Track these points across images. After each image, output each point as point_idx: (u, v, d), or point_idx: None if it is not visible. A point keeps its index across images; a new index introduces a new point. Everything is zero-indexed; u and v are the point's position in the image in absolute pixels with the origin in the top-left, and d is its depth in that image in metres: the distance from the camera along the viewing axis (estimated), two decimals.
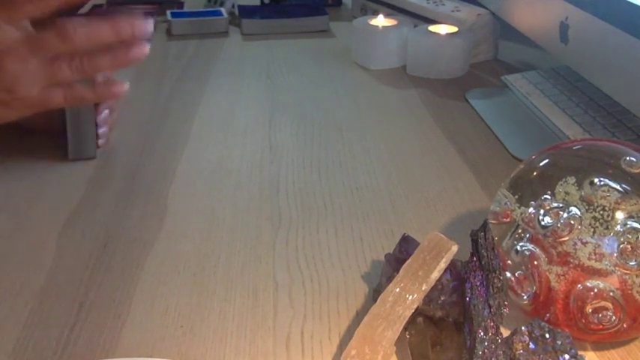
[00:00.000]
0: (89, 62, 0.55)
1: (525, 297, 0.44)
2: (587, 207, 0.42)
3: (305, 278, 0.52)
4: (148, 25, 0.57)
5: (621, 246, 0.40)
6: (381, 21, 0.99)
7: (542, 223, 0.43)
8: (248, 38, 1.16)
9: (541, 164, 0.47)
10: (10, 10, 0.51)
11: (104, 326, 0.47)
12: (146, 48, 0.57)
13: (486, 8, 0.99)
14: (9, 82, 0.53)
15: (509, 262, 0.45)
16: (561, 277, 0.42)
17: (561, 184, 0.43)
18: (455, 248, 0.44)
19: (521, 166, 0.49)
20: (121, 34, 0.55)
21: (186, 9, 1.29)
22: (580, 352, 0.39)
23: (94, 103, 0.60)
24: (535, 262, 0.43)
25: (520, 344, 0.39)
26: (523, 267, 0.44)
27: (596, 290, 0.41)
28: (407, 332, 0.43)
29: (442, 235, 0.45)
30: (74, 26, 0.53)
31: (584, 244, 0.41)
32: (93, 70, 0.56)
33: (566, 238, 0.42)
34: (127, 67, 0.57)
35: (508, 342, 0.39)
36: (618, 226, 0.41)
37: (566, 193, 0.43)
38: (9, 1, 0.51)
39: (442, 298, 0.43)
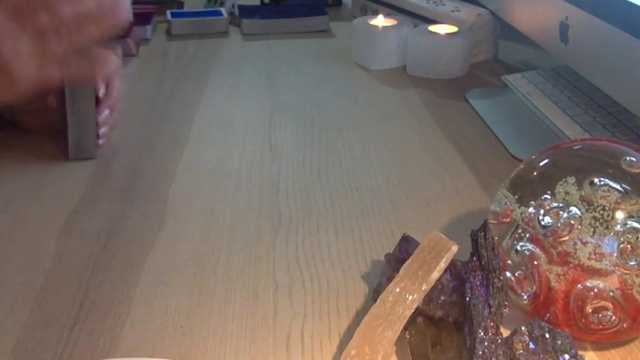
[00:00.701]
0: (76, 31, 0.56)
1: (525, 297, 0.44)
2: (587, 207, 0.42)
3: (305, 278, 0.52)
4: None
5: (621, 246, 0.40)
6: (381, 21, 0.99)
7: (542, 223, 0.43)
8: (248, 38, 1.16)
9: (541, 164, 0.47)
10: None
11: (104, 326, 0.47)
12: (127, 11, 0.58)
13: (486, 8, 0.99)
14: (5, 62, 0.54)
15: (509, 262, 0.45)
16: (561, 277, 0.42)
17: (561, 184, 0.43)
18: (455, 248, 0.44)
19: (521, 166, 0.49)
20: (104, 4, 0.56)
21: (186, 9, 1.30)
22: (580, 352, 0.39)
23: (91, 78, 0.61)
24: (535, 262, 0.43)
25: (520, 344, 0.39)
26: (523, 267, 0.44)
27: (596, 290, 0.41)
28: (407, 332, 0.43)
29: (442, 235, 0.45)
30: (60, 1, 0.54)
31: (584, 244, 0.41)
32: (81, 39, 0.57)
33: (566, 238, 0.42)
34: (113, 31, 0.58)
35: (508, 342, 0.39)
36: (618, 226, 0.41)
37: (566, 193, 0.43)
38: None
39: (442, 298, 0.43)
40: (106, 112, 0.71)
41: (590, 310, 0.41)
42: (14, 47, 0.54)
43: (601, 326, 0.41)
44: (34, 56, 0.55)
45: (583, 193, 0.42)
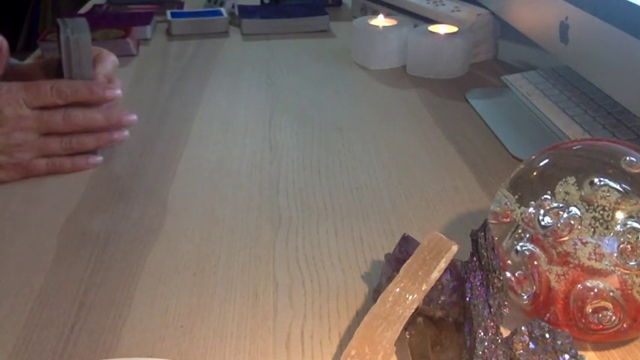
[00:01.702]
0: (78, 141, 0.66)
1: (525, 297, 0.44)
2: (587, 207, 0.42)
3: (305, 278, 0.52)
4: (133, 118, 0.70)
5: (621, 246, 0.40)
6: (381, 21, 1.00)
7: (542, 223, 0.43)
8: (248, 38, 1.16)
9: (541, 164, 0.47)
10: (33, 94, 0.63)
11: (104, 326, 0.47)
12: (126, 134, 0.70)
13: (486, 8, 0.99)
14: (12, 149, 0.64)
15: (509, 262, 0.45)
16: (561, 277, 0.42)
17: (561, 184, 0.43)
18: (455, 248, 0.44)
19: (521, 166, 0.49)
20: (111, 122, 0.68)
21: (186, 9, 1.30)
22: (580, 352, 0.39)
23: (71, 172, 0.68)
24: (535, 262, 0.43)
25: (520, 344, 0.39)
26: (523, 267, 0.44)
27: (596, 290, 0.41)
28: (407, 332, 0.43)
29: (442, 235, 0.45)
30: (76, 111, 0.65)
31: (584, 244, 0.41)
32: (79, 148, 0.67)
33: (566, 238, 0.42)
34: (107, 147, 0.70)
35: (508, 342, 0.39)
36: (618, 226, 0.41)
37: (566, 193, 0.43)
38: (35, 88, 0.63)
39: (442, 298, 0.43)
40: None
41: (590, 310, 0.41)
42: (24, 140, 0.64)
43: (601, 326, 0.41)
44: (35, 151, 0.65)
45: (583, 193, 0.42)
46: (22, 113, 0.62)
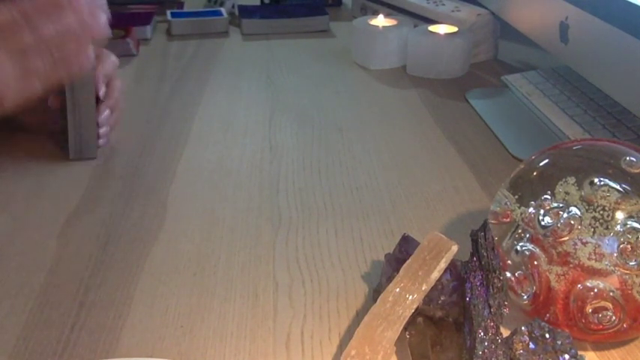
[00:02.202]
0: (57, 47, 0.57)
1: (525, 297, 0.44)
2: (587, 207, 0.42)
3: (305, 278, 0.52)
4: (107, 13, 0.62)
5: (621, 246, 0.40)
6: (381, 21, 0.99)
7: (542, 223, 0.43)
8: (248, 38, 1.16)
9: (541, 164, 0.47)
10: None
11: (104, 326, 0.47)
12: (106, 27, 0.61)
13: (486, 8, 0.99)
14: None
15: (509, 262, 0.45)
16: (561, 277, 0.42)
17: (561, 184, 0.43)
18: (455, 248, 0.44)
19: (521, 166, 0.49)
20: (84, 20, 0.58)
21: (186, 9, 1.30)
22: (580, 352, 0.39)
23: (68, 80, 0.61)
24: (535, 262, 0.43)
25: (520, 344, 0.39)
26: (523, 267, 0.44)
27: (596, 290, 0.41)
28: (407, 332, 0.43)
29: (442, 235, 0.45)
30: (42, 20, 0.56)
31: (584, 244, 0.41)
32: (61, 54, 0.58)
33: (566, 238, 0.42)
34: (91, 46, 0.60)
35: (508, 342, 0.39)
36: (618, 226, 0.41)
37: (566, 193, 0.43)
38: None
39: (442, 298, 0.43)
40: (107, 112, 0.71)
41: (590, 310, 0.41)
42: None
43: (601, 326, 0.41)
44: (16, 74, 0.56)
45: (583, 193, 0.42)
46: None
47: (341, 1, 1.37)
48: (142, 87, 0.92)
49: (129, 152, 0.72)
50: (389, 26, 0.98)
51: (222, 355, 0.44)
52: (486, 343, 0.39)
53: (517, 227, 0.45)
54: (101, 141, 0.71)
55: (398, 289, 0.42)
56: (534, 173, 0.47)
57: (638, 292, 0.41)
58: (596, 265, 0.41)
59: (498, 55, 1.02)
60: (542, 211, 0.43)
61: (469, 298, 0.42)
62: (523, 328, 0.39)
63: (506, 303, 0.41)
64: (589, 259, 0.41)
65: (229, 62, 1.03)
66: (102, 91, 0.69)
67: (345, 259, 0.54)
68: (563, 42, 0.73)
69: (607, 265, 0.41)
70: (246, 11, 1.22)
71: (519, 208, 0.45)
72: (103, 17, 0.61)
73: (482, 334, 0.39)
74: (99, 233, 0.58)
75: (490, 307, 0.41)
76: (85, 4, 0.59)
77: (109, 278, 0.52)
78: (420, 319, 0.43)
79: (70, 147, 0.70)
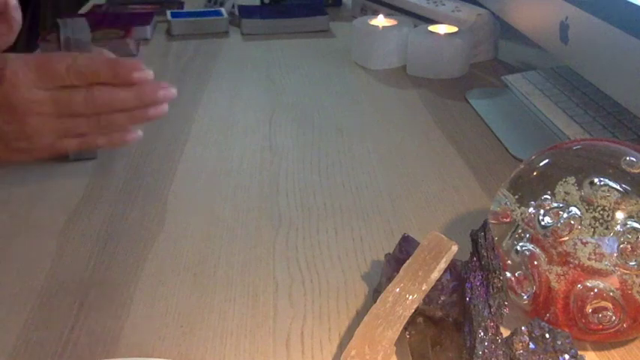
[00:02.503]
0: (107, 119, 0.57)
1: (525, 297, 0.44)
2: (587, 207, 0.42)
3: (305, 278, 0.52)
4: (173, 91, 0.60)
5: (621, 246, 0.40)
6: (381, 21, 0.99)
7: (542, 223, 0.43)
8: (248, 38, 1.16)
9: (541, 164, 0.47)
10: (45, 76, 0.54)
11: (104, 326, 0.47)
12: (166, 108, 0.60)
13: (486, 8, 0.99)
14: (29, 134, 0.56)
15: (509, 262, 0.45)
16: (561, 277, 0.42)
17: (561, 184, 0.43)
18: (455, 248, 0.44)
19: (521, 166, 0.49)
20: (144, 100, 0.58)
21: (186, 9, 1.30)
22: (580, 352, 0.39)
23: (106, 148, 0.61)
24: (535, 262, 0.43)
25: (520, 344, 0.39)
26: (523, 267, 0.44)
27: (596, 290, 0.41)
28: (407, 332, 0.43)
29: (442, 235, 0.45)
30: (100, 92, 0.56)
31: (584, 244, 0.41)
32: (109, 126, 0.58)
33: (566, 238, 0.42)
34: (144, 123, 0.60)
35: (508, 342, 0.39)
36: (618, 226, 0.41)
37: (566, 193, 0.43)
38: (47, 66, 0.54)
39: (442, 298, 0.43)
40: None
41: (590, 310, 0.41)
42: (42, 125, 0.56)
43: (601, 326, 0.41)
44: (58, 132, 0.57)
45: (583, 193, 0.42)
46: (34, 97, 0.54)
47: (341, 1, 1.36)
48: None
49: (129, 152, 0.72)
50: (389, 26, 0.98)
51: (222, 355, 0.44)
52: (486, 343, 0.39)
53: (517, 227, 0.45)
54: None
55: (398, 289, 0.42)
56: (534, 173, 0.47)
57: (638, 292, 0.41)
58: (596, 265, 0.41)
59: (498, 55, 1.02)
60: (542, 211, 0.43)
61: (469, 298, 0.42)
62: (523, 328, 0.39)
63: (506, 303, 0.41)
64: (589, 259, 0.41)
65: (229, 62, 1.03)
66: None
67: (345, 259, 0.54)
68: (563, 42, 0.73)
69: (607, 265, 0.41)
70: (246, 11, 1.22)
71: (519, 208, 0.45)
72: (168, 97, 0.60)
73: (482, 334, 0.39)
74: (99, 233, 0.58)
75: (490, 307, 0.41)
76: (148, 84, 0.58)
77: (109, 278, 0.52)
78: (420, 319, 0.43)
79: None
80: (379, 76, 0.95)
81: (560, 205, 0.43)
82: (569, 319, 0.42)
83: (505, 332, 0.40)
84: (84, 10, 1.32)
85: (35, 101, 0.54)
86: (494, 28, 1.00)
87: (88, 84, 0.55)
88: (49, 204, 0.62)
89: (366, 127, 0.79)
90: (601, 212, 0.41)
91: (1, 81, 0.53)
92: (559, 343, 0.38)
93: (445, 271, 0.43)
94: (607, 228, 0.41)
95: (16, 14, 0.62)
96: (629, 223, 0.41)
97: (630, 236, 0.40)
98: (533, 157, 0.48)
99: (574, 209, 0.42)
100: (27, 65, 0.54)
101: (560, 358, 0.38)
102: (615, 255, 0.41)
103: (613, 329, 0.41)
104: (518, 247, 0.44)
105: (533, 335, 0.39)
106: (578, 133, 0.69)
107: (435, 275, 0.42)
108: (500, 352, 0.39)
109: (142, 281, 0.51)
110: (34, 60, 0.55)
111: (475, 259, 0.43)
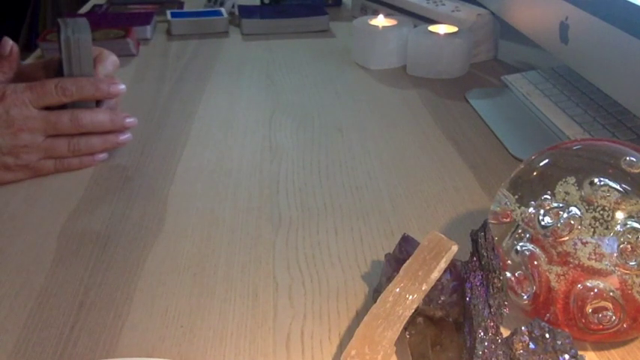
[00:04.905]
0: (85, 143, 0.67)
1: (525, 297, 0.44)
2: (587, 207, 0.42)
3: (305, 278, 0.52)
4: (134, 120, 0.70)
5: (621, 246, 0.40)
6: (381, 21, 0.99)
7: (542, 223, 0.43)
8: (248, 38, 1.16)
9: (541, 164, 0.47)
10: (39, 94, 0.63)
11: (104, 326, 0.47)
12: (130, 137, 0.71)
13: (486, 8, 0.99)
14: (18, 150, 0.63)
15: (509, 262, 0.45)
16: (561, 277, 0.42)
17: (561, 184, 0.43)
18: (455, 248, 0.44)
19: (521, 166, 0.49)
20: (116, 124, 0.68)
21: (186, 9, 1.30)
22: (580, 352, 0.39)
23: (78, 169, 0.69)
24: (535, 262, 0.43)
25: (520, 344, 0.39)
26: (523, 267, 0.44)
27: (596, 290, 0.41)
28: (407, 332, 0.43)
29: (442, 235, 0.45)
30: (84, 115, 0.66)
31: (584, 244, 0.41)
32: (87, 150, 0.67)
33: (566, 238, 0.42)
34: (113, 149, 0.70)
35: (508, 342, 0.39)
36: (618, 226, 0.41)
37: (566, 193, 0.43)
38: (40, 88, 0.63)
39: (442, 298, 0.43)
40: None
41: (590, 310, 0.41)
42: (32, 142, 0.63)
43: (601, 326, 0.41)
44: (42, 152, 0.65)
45: (583, 193, 0.42)
46: (29, 114, 0.62)
47: (341, 1, 1.37)
48: (142, 87, 0.92)
49: (129, 152, 0.72)
50: (389, 26, 0.98)
51: (222, 355, 0.44)
52: (486, 343, 0.39)
53: (517, 227, 0.45)
54: None
55: (398, 289, 0.42)
56: (534, 173, 0.47)
57: (638, 292, 0.41)
58: (596, 265, 0.41)
59: (498, 55, 1.02)
60: (542, 211, 0.43)
61: (469, 298, 0.42)
62: (523, 328, 0.39)
63: (506, 303, 0.41)
64: (589, 259, 0.41)
65: (229, 62, 1.03)
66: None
67: (345, 259, 0.54)
68: (563, 42, 0.73)
69: (607, 265, 0.41)
70: (246, 11, 1.22)
71: (519, 208, 0.45)
72: (131, 125, 0.70)
73: (482, 334, 0.39)
74: (99, 233, 0.58)
75: (490, 307, 0.41)
76: (121, 117, 0.69)
77: (109, 278, 0.52)
78: (420, 319, 0.43)
79: None
80: (379, 76, 0.95)
81: (560, 205, 0.43)
82: (569, 319, 0.42)
83: (505, 332, 0.40)
84: (84, 10, 1.32)
85: (29, 117, 0.62)
86: (494, 28, 1.00)
87: (72, 101, 0.65)
88: (49, 204, 0.62)
89: (366, 127, 0.79)
90: (601, 212, 0.41)
91: (3, 98, 0.62)
92: (559, 343, 0.38)
93: (445, 271, 0.43)
94: (607, 228, 0.41)
95: (18, 55, 0.70)
96: (629, 223, 0.41)
97: (630, 236, 0.40)
98: (533, 157, 0.48)
99: (574, 209, 0.42)
100: (22, 86, 0.63)
101: (560, 358, 0.38)
102: (615, 255, 0.41)
103: (613, 329, 0.41)
104: (518, 247, 0.44)
105: (533, 335, 0.39)
106: (578, 133, 0.69)
107: (435, 275, 0.42)
108: (500, 352, 0.39)
109: (141, 281, 0.52)
110: (28, 83, 0.63)
111: (475, 259, 0.43)
